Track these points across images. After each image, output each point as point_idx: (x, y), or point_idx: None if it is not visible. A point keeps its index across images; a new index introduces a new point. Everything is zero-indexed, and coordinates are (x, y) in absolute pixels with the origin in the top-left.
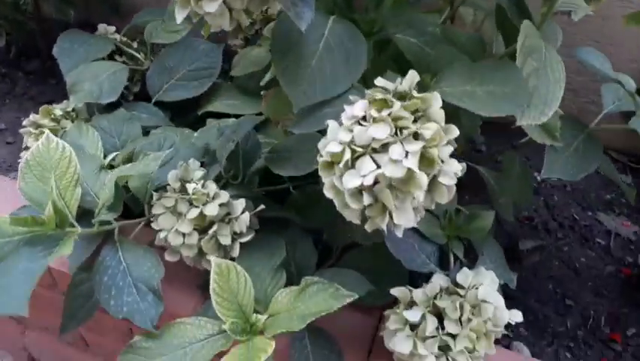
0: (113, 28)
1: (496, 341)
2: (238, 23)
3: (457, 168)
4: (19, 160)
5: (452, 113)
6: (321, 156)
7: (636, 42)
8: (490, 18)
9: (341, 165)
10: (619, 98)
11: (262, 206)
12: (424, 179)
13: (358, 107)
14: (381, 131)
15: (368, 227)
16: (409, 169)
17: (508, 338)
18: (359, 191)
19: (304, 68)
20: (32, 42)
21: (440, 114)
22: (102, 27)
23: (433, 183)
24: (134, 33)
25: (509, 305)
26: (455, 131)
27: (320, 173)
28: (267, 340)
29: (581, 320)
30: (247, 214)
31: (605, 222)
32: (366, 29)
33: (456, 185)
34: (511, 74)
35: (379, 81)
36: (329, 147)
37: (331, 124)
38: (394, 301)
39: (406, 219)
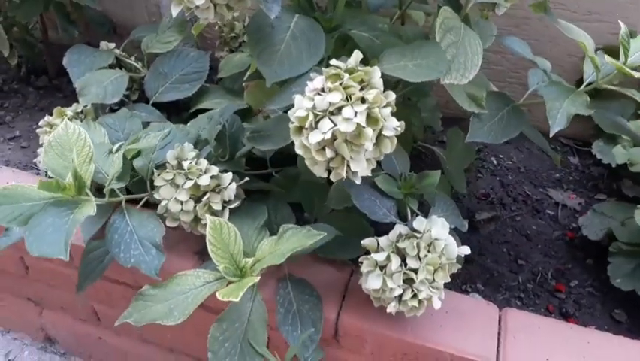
0: (113, 45)
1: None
2: (224, 38)
3: (396, 123)
4: (34, 160)
5: (413, 107)
6: (292, 122)
7: (572, 39)
8: None
9: (306, 125)
10: (542, 80)
11: (247, 178)
12: (370, 132)
13: (318, 81)
14: (335, 97)
15: (333, 177)
16: (358, 124)
17: (467, 292)
18: (322, 148)
19: (275, 52)
20: (40, 62)
21: (380, 83)
22: (103, 44)
23: (379, 138)
24: (131, 49)
25: (467, 267)
26: (392, 96)
27: (292, 136)
28: (253, 276)
29: (531, 275)
30: (234, 184)
31: (554, 196)
32: (325, 25)
33: (418, 165)
34: (433, 49)
35: (333, 62)
36: (297, 113)
37: (297, 97)
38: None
39: (360, 167)
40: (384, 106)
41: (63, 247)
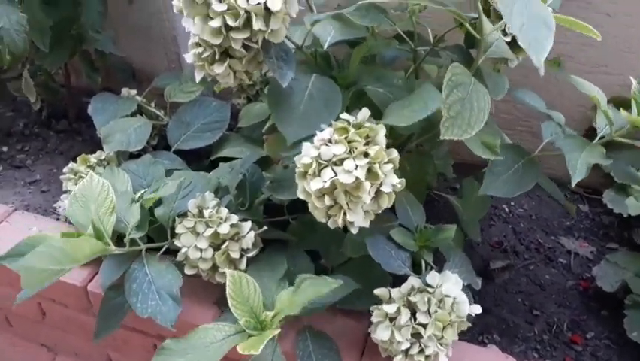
0: (134, 92)
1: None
2: (241, 86)
3: (395, 180)
4: (54, 205)
5: (427, 156)
6: (298, 167)
7: (580, 91)
8: None
9: (310, 172)
10: (555, 132)
11: (265, 227)
12: (368, 185)
13: (326, 133)
14: (339, 149)
15: (330, 224)
16: (357, 178)
17: (483, 343)
18: (322, 194)
19: (294, 113)
20: (61, 106)
21: (383, 140)
22: (125, 91)
23: (378, 192)
24: (151, 96)
25: (484, 317)
26: (394, 153)
27: (297, 181)
28: (273, 329)
29: (547, 326)
30: (253, 233)
31: (566, 244)
32: (342, 83)
33: (431, 212)
34: (425, 91)
35: (343, 115)
36: (302, 160)
37: (306, 145)
38: None
39: (357, 218)
40: (386, 162)
41: None
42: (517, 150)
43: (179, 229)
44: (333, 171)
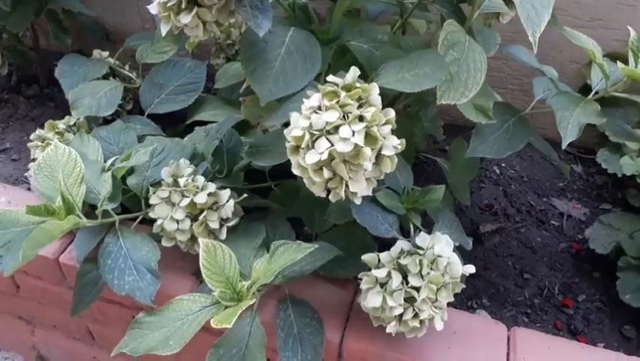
0: (106, 53)
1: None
2: (220, 45)
3: (396, 142)
4: (25, 174)
5: (415, 117)
6: (288, 141)
7: (574, 46)
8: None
9: (303, 145)
10: (548, 88)
11: (245, 195)
12: (368, 151)
13: (314, 99)
14: (332, 116)
15: (332, 198)
16: (356, 144)
17: (472, 308)
18: (320, 167)
19: (269, 69)
20: (31, 70)
21: (378, 100)
22: (96, 52)
23: (379, 157)
24: (125, 57)
25: (473, 281)
26: (391, 113)
27: (288, 156)
28: (248, 300)
29: (538, 290)
30: (232, 202)
31: (559, 206)
32: (322, 37)
33: (420, 175)
34: (431, 57)
35: (330, 78)
36: (293, 132)
37: (294, 115)
38: None
39: (360, 188)
40: (384, 124)
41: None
42: (506, 108)
43: (153, 200)
44: (329, 140)
